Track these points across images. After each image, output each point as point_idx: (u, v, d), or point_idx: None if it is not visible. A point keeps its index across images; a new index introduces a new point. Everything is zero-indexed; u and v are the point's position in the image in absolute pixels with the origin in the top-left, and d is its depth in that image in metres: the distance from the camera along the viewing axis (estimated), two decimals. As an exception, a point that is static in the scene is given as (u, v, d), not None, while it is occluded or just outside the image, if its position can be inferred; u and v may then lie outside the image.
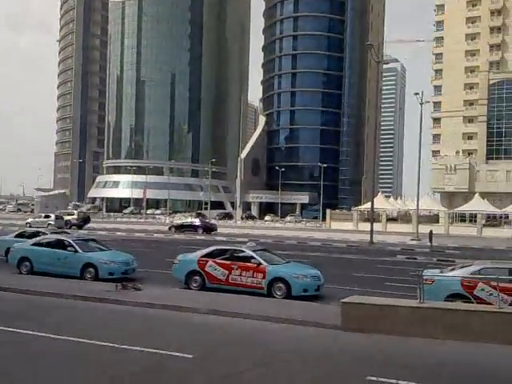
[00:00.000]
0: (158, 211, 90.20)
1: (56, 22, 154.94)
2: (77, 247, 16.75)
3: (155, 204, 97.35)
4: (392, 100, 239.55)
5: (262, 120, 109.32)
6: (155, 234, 40.46)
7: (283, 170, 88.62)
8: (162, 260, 19.94)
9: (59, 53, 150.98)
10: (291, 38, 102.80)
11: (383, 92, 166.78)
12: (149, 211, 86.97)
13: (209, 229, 44.08)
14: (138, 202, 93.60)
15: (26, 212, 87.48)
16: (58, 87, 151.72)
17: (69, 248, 16.84)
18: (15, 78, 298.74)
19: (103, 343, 9.00)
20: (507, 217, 57.08)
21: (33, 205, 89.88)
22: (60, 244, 17.27)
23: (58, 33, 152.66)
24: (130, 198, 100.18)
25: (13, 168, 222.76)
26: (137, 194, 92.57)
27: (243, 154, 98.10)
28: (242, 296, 13.62)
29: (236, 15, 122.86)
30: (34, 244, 17.74)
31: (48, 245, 17.52)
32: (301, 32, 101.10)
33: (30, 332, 9.64)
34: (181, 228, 44.50)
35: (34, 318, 11.10)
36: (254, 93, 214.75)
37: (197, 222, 46.57)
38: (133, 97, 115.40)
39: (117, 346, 8.87)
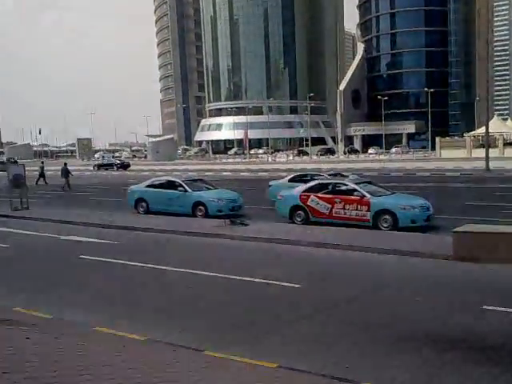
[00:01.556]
0: (261, 151, 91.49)
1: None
2: (186, 187, 17.61)
3: (257, 143, 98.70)
4: (505, 12, 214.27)
5: (360, 47, 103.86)
6: (259, 173, 41.27)
7: (386, 98, 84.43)
8: (267, 196, 20.35)
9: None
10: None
11: (495, 4, 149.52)
12: (252, 151, 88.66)
13: (124, 166, 57.03)
14: (240, 142, 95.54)
15: (140, 158, 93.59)
16: (156, 34, 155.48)
17: (179, 188, 17.76)
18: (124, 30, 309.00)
19: (217, 274, 9.52)
20: None
21: (145, 151, 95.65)
22: (171, 185, 18.27)
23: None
24: (233, 140, 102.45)
25: (125, 117, 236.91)
26: (239, 134, 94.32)
27: (342, 86, 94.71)
28: (347, 229, 13.56)
29: None
30: (148, 186, 18.95)
31: (160, 186, 18.63)
32: None
33: (156, 266, 10.44)
34: (100, 167, 57.87)
35: (156, 253, 12.02)
36: (351, 19, 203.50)
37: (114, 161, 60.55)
38: (227, 37, 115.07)
39: (230, 276, 9.36)
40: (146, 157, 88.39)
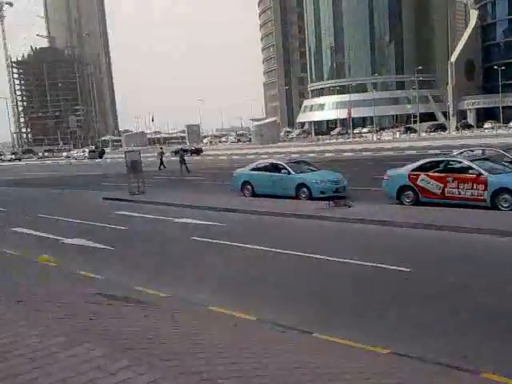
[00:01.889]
0: (365, 129, 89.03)
1: None
2: (290, 169, 17.67)
3: (361, 122, 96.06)
4: None
5: (473, 14, 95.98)
6: (363, 153, 40.24)
7: (503, 68, 77.45)
8: (371, 177, 19.78)
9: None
10: None
11: None
12: (355, 130, 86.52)
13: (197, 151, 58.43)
14: (344, 122, 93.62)
15: (244, 142, 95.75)
16: (259, 16, 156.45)
17: (283, 170, 17.88)
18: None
19: (323, 257, 9.49)
20: None
21: (249, 134, 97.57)
22: (275, 167, 18.44)
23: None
24: (336, 119, 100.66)
25: (230, 102, 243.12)
26: (342, 114, 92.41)
27: (453, 57, 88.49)
28: (462, 209, 12.76)
29: None
30: (253, 169, 19.30)
31: (264, 169, 18.88)
32: None
33: (264, 248, 10.64)
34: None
35: (262, 235, 12.26)
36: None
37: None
38: (330, 15, 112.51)
39: (338, 259, 9.27)
40: (250, 140, 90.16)
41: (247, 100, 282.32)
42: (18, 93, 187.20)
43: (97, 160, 66.18)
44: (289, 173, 17.57)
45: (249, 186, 18.76)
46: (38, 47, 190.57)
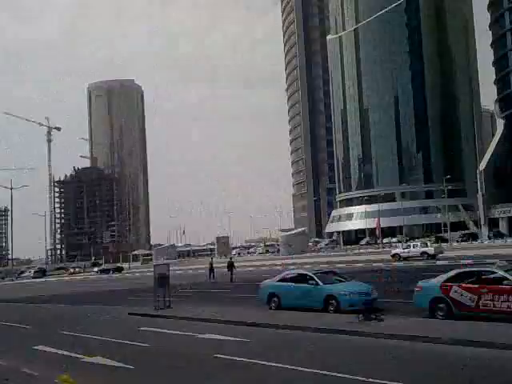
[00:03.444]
0: (395, 239, 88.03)
1: (282, 73, 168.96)
2: (318, 280, 17.31)
3: (390, 232, 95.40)
4: None
5: (500, 123, 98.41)
6: (393, 263, 39.37)
7: (534, 176, 77.41)
8: (403, 288, 19.15)
9: (288, 100, 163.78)
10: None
11: None
12: (385, 240, 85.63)
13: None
14: (372, 231, 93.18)
15: (272, 252, 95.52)
16: (289, 132, 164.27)
17: (310, 281, 17.52)
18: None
19: (351, 376, 8.92)
20: None
21: (278, 245, 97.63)
22: (302, 278, 18.11)
23: (285, 82, 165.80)
24: (364, 229, 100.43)
25: (259, 213, 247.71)
26: (370, 223, 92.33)
27: (482, 165, 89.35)
28: (498, 323, 12.03)
29: (456, 18, 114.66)
30: (280, 280, 19.00)
31: (292, 280, 18.55)
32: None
33: (280, 365, 10.15)
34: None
35: (288, 353, 11.70)
36: (488, 95, 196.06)
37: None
38: (357, 127, 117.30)
39: (365, 379, 8.69)
40: (278, 251, 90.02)
41: (276, 211, 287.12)
42: (57, 210, 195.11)
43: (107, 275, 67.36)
44: (317, 284, 17.18)
45: (275, 298, 18.34)
46: (79, 167, 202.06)
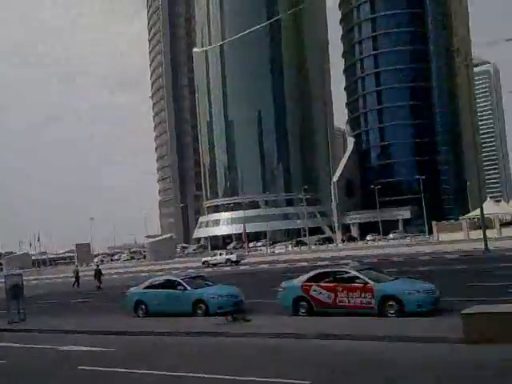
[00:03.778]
0: (259, 243, 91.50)
1: (147, 79, 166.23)
2: (186, 285, 17.30)
3: (255, 237, 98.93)
4: (488, 102, 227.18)
5: (350, 141, 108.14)
6: (259, 266, 40.90)
7: (379, 187, 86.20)
8: (268, 289, 19.99)
9: (153, 107, 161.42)
10: (372, 56, 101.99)
11: (478, 95, 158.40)
12: (251, 244, 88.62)
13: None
14: (239, 237, 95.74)
15: (138, 259, 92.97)
16: (155, 140, 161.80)
17: (178, 287, 17.43)
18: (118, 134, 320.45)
19: (219, 376, 9.08)
20: None
21: (144, 251, 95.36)
22: (170, 284, 17.95)
23: (150, 89, 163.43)
24: (231, 234, 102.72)
25: (123, 219, 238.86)
26: (237, 229, 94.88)
27: (335, 177, 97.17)
28: (353, 318, 13.20)
29: (314, 42, 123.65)
30: (147, 287, 18.60)
31: (159, 286, 18.28)
32: (382, 50, 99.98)
33: (145, 371, 9.99)
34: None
35: (156, 358, 11.54)
36: (340, 116, 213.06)
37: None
38: (223, 137, 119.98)
39: (234, 377, 8.92)
40: (144, 257, 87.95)
41: (142, 217, 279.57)
42: None
43: None
44: (185, 289, 17.16)
45: (142, 306, 17.89)
46: None
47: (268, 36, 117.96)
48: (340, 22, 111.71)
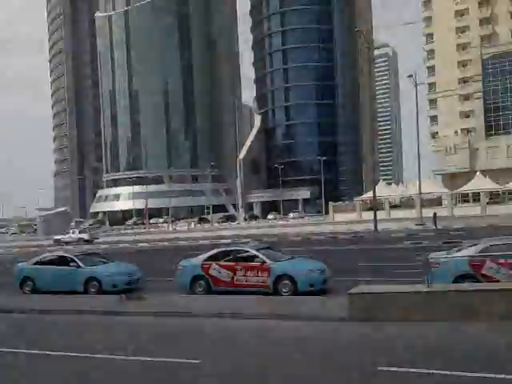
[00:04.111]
0: (161, 220, 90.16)
1: (46, 42, 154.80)
2: (79, 262, 16.60)
3: (158, 213, 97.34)
4: (386, 85, 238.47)
5: (257, 119, 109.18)
6: (160, 243, 40.33)
7: (282, 167, 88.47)
8: (167, 268, 19.77)
9: (51, 72, 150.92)
10: (280, 34, 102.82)
11: (376, 78, 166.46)
12: (152, 221, 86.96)
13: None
14: (140, 212, 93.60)
15: (29, 233, 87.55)
16: (52, 107, 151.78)
17: (71, 264, 16.68)
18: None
19: (110, 356, 8.84)
20: (510, 193, 56.73)
21: (35, 225, 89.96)
22: (63, 260, 17.11)
23: (48, 53, 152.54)
24: (132, 210, 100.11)
25: (15, 191, 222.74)
26: (138, 204, 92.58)
27: (241, 155, 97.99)
28: (249, 296, 13.46)
29: (223, 17, 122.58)
30: (37, 263, 17.59)
31: (51, 262, 17.36)
32: (289, 27, 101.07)
33: (35, 351, 9.50)
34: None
35: (37, 337, 10.97)
36: (248, 92, 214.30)
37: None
38: (127, 109, 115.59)
39: (124, 357, 8.71)
40: (35, 231, 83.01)
41: (37, 189, 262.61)
42: None
43: None
44: (78, 266, 16.46)
45: (30, 282, 16.94)
46: None
47: (176, 5, 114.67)
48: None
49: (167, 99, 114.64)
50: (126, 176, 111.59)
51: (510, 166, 62.97)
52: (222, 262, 14.69)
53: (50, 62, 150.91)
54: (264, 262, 14.07)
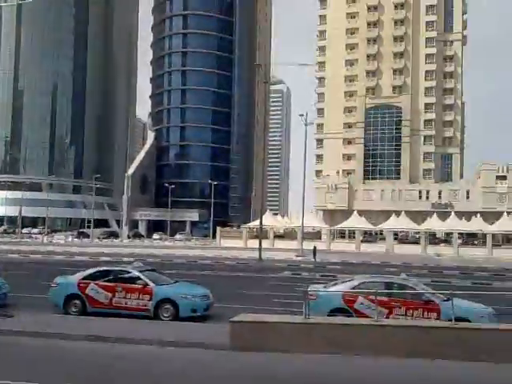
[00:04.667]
0: (36, 230, 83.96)
1: None
2: None
3: (32, 222, 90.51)
4: (279, 120, 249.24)
5: (150, 136, 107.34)
6: (32, 255, 37.44)
7: (173, 187, 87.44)
8: (39, 283, 18.40)
9: None
10: (180, 53, 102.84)
11: (271, 112, 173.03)
12: (25, 230, 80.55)
13: None
14: (13, 220, 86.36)
15: None
16: None
17: None
18: None
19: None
20: (381, 233, 61.72)
21: None
22: None
23: None
24: (3, 217, 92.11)
25: None
26: (11, 211, 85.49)
27: (131, 170, 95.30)
28: (127, 320, 12.97)
29: (123, 26, 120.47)
30: None
31: None
32: (190, 49, 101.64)
33: None
34: None
35: None
36: (143, 107, 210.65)
37: None
38: (9, 106, 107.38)
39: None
40: None
41: None
42: None
43: None
44: None
45: None
46: None
47: (73, 6, 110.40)
48: (152, 12, 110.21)
49: (55, 103, 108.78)
50: (0, 179, 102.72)
51: (383, 209, 68.53)
52: (101, 282, 14.06)
53: None
54: (146, 285, 13.72)
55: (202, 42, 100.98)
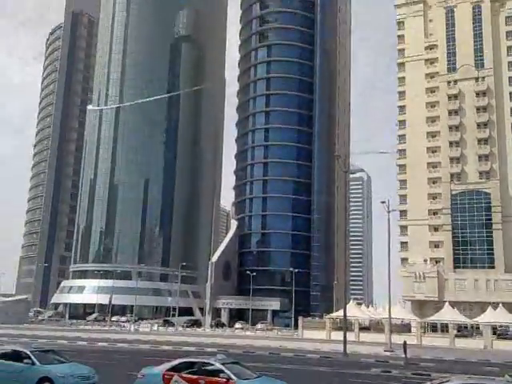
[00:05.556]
0: (124, 318, 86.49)
1: (33, 127, 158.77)
2: (34, 359, 15.71)
3: (121, 310, 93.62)
4: (359, 208, 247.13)
5: (233, 224, 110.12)
6: (119, 344, 38.43)
7: (254, 274, 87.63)
8: (125, 373, 18.79)
9: (33, 156, 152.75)
10: (263, 147, 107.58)
11: (351, 200, 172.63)
12: (114, 318, 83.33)
13: None
14: (103, 307, 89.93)
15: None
16: (29, 190, 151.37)
17: (25, 360, 15.77)
18: None
19: None
20: (478, 327, 56.74)
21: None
22: (17, 355, 16.16)
23: (34, 138, 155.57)
24: (95, 304, 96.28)
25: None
26: (102, 299, 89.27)
27: (214, 258, 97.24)
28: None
29: (210, 123, 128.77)
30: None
31: (3, 356, 16.37)
32: (271, 142, 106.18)
33: None
34: None
35: None
36: (227, 197, 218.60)
37: None
38: (105, 200, 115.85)
39: None
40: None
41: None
42: None
43: None
44: (33, 363, 15.55)
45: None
46: None
47: (166, 107, 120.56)
48: (236, 110, 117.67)
49: (146, 195, 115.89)
50: (93, 268, 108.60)
51: (478, 300, 63.63)
52: (185, 374, 14.11)
53: (35, 146, 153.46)
54: (229, 379, 13.56)
55: (282, 135, 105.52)
